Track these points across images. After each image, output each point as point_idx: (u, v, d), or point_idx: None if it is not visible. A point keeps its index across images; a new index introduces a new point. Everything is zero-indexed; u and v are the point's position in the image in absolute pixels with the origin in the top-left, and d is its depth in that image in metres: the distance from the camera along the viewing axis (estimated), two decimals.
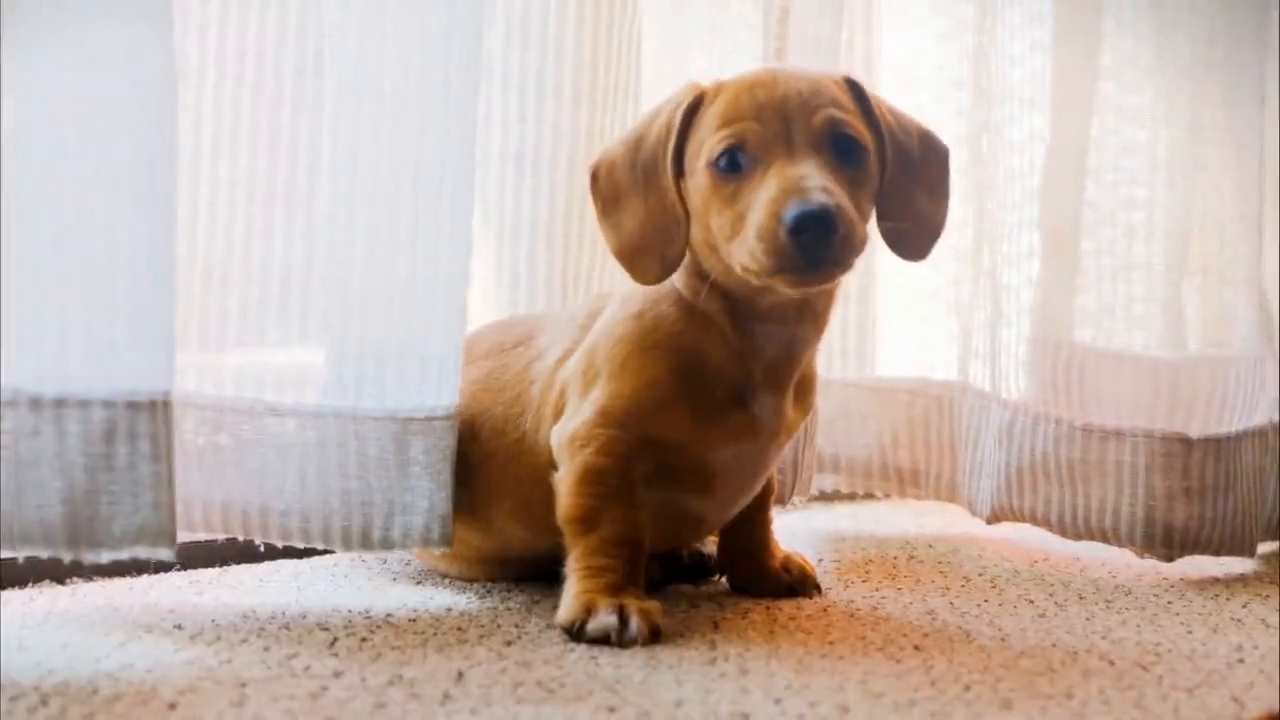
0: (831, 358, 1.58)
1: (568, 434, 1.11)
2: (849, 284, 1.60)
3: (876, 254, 1.61)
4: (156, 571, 1.24)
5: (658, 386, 1.10)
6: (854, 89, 1.10)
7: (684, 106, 1.09)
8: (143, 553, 1.00)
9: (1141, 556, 1.41)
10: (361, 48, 1.13)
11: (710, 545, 1.30)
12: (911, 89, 1.60)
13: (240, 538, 1.16)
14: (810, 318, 1.12)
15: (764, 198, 1.01)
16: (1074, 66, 1.45)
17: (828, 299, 1.13)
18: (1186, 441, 1.39)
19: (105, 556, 1.00)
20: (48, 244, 0.98)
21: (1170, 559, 1.39)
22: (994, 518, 1.47)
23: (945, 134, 1.53)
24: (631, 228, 1.10)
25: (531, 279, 1.37)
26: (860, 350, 1.61)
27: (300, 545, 1.17)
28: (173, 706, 0.87)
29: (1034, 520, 1.44)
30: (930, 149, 1.15)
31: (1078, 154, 1.45)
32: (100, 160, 0.99)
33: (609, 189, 1.12)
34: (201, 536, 1.20)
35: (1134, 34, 1.44)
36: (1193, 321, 1.48)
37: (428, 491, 1.15)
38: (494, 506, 1.18)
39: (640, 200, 1.10)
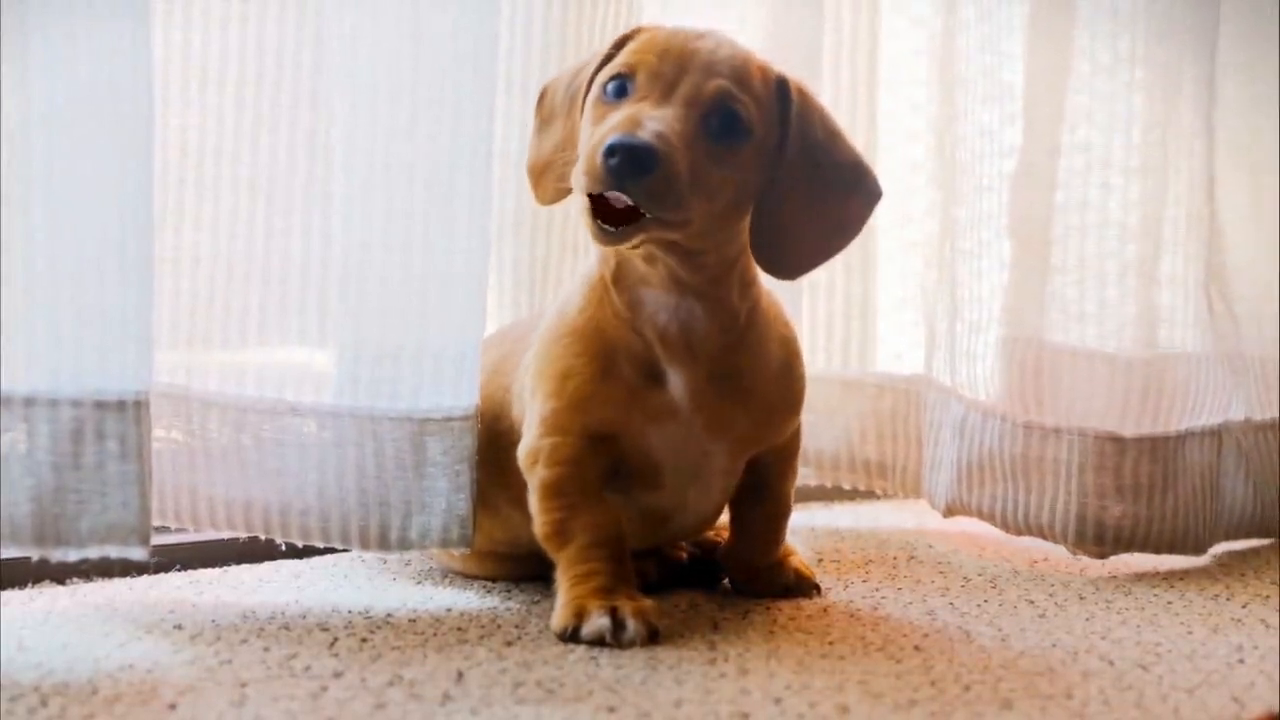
0: (816, 353, 1.57)
1: (523, 452, 1.12)
2: (835, 280, 1.59)
3: (873, 253, 1.61)
4: (156, 571, 1.24)
5: (574, 375, 1.10)
6: (780, 87, 1.08)
7: (617, 39, 1.10)
8: (113, 551, 1.00)
9: (1074, 554, 1.41)
10: (375, 46, 1.13)
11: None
12: (911, 88, 1.60)
13: (262, 536, 1.16)
14: (692, 291, 1.08)
15: (608, 123, 1.02)
16: (1048, 68, 1.45)
17: (699, 269, 1.08)
18: (1120, 440, 1.39)
19: (73, 555, 1.00)
20: (18, 243, 0.98)
21: (1103, 556, 1.40)
22: (949, 512, 1.47)
23: (933, 132, 1.55)
24: (548, 146, 1.13)
25: (499, 278, 1.37)
26: (848, 345, 1.61)
27: (320, 545, 1.17)
28: (173, 706, 0.87)
29: (981, 515, 1.44)
30: (857, 183, 1.11)
31: (1048, 155, 1.45)
32: (73, 160, 0.99)
33: (548, 109, 1.15)
34: (225, 535, 1.21)
35: (1109, 35, 1.43)
36: (1146, 321, 1.47)
37: (444, 492, 1.15)
38: (500, 493, 1.19)
39: (562, 122, 1.12)
